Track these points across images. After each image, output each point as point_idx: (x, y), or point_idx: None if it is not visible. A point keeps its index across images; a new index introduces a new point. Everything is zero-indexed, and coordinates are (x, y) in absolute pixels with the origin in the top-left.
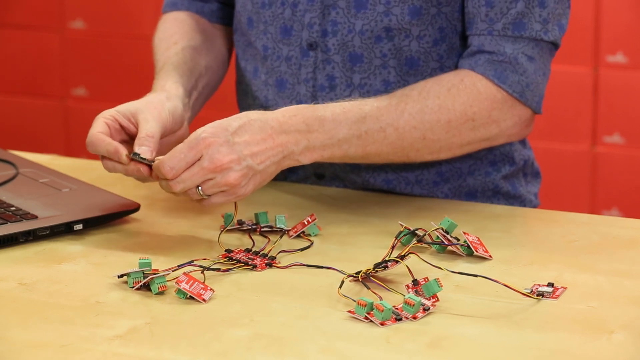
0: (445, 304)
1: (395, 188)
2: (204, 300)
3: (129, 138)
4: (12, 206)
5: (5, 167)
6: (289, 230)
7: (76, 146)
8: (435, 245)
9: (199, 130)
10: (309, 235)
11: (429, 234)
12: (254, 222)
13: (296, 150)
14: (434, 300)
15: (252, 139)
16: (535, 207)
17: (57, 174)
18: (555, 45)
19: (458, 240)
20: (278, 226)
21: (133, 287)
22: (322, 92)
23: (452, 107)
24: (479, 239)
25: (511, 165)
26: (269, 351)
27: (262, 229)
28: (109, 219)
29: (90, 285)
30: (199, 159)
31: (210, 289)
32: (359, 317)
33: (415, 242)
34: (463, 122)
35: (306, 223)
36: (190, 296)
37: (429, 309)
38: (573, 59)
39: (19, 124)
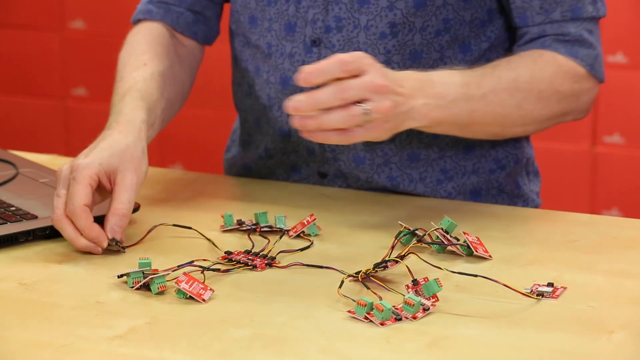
0: (445, 304)
1: (399, 185)
2: (203, 300)
3: (98, 193)
4: (12, 206)
5: (5, 167)
6: (289, 230)
7: (76, 146)
8: (435, 245)
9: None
10: (309, 235)
11: (428, 234)
12: (254, 222)
13: (416, 107)
14: (433, 300)
15: (396, 81)
16: (537, 206)
17: None
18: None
19: (458, 240)
20: (278, 226)
21: (133, 287)
22: None
23: (541, 78)
24: (479, 239)
25: (515, 162)
26: (269, 351)
27: (262, 229)
28: None
29: (90, 285)
30: (358, 75)
31: (210, 289)
32: (358, 317)
33: (415, 242)
34: (551, 93)
35: (306, 223)
36: (190, 296)
37: (428, 309)
38: None
39: (19, 124)
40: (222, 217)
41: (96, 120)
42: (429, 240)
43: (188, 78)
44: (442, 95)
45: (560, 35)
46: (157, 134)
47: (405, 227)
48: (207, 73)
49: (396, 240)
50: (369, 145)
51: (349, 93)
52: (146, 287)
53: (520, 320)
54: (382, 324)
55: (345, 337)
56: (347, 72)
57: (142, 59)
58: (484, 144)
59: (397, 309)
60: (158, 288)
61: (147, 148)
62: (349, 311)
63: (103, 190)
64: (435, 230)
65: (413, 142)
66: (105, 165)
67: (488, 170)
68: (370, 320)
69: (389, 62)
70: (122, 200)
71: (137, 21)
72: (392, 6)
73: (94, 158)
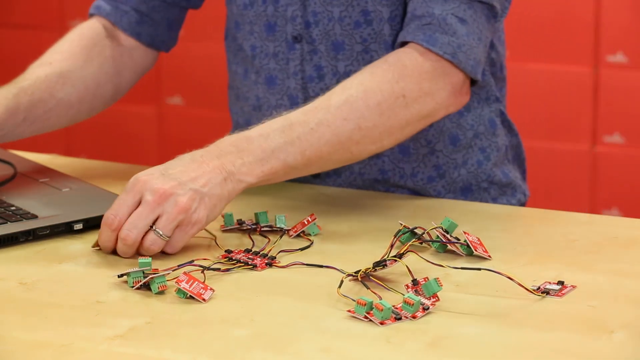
0: (445, 303)
1: (390, 179)
2: (204, 299)
3: None
4: (12, 206)
5: (5, 167)
6: (289, 230)
7: (76, 146)
8: (435, 245)
9: (132, 177)
10: (309, 235)
11: (427, 232)
12: (254, 222)
13: (234, 170)
14: (434, 299)
15: (186, 168)
16: (525, 194)
17: (57, 174)
18: (491, 9)
19: (458, 240)
20: (278, 226)
21: (133, 286)
22: (312, 83)
23: (377, 88)
24: (479, 240)
25: (498, 150)
26: (269, 351)
27: (262, 229)
28: None
29: (90, 284)
30: (140, 200)
31: (211, 289)
32: (358, 317)
33: (414, 240)
34: (393, 100)
35: (306, 223)
36: (190, 296)
37: (428, 308)
38: (573, 59)
39: None
40: (222, 216)
41: (96, 119)
42: (428, 239)
43: (111, 79)
44: (263, 148)
45: (423, 17)
46: (44, 131)
47: (404, 226)
48: (206, 73)
49: (395, 239)
50: None
51: (131, 236)
52: (146, 286)
53: (520, 319)
54: (381, 324)
55: (345, 336)
56: (125, 216)
57: (53, 57)
58: (467, 134)
59: (396, 308)
60: (158, 288)
61: (150, 148)
62: (349, 310)
63: None
64: (434, 229)
65: None
66: None
67: (476, 162)
68: (370, 320)
69: (367, 52)
70: None
71: (91, 15)
72: None
73: None
